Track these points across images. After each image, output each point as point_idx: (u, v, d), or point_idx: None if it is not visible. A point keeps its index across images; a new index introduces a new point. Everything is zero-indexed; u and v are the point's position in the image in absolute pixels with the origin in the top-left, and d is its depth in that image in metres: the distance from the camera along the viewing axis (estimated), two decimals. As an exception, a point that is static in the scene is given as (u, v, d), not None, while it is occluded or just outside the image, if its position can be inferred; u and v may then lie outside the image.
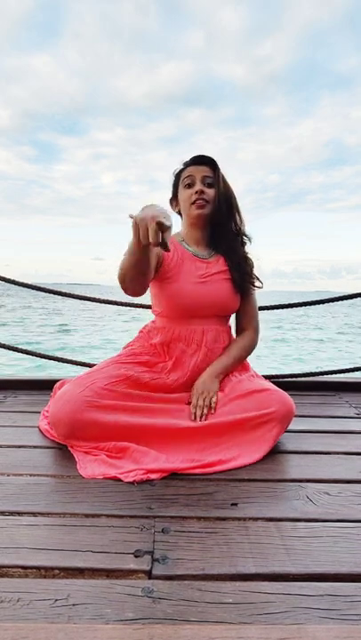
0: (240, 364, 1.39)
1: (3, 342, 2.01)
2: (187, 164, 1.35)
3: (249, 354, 1.41)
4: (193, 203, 1.31)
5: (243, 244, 1.38)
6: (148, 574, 0.68)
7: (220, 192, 1.31)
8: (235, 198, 1.35)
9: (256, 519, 0.85)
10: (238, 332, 1.44)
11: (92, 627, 0.56)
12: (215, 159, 1.33)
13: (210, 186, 1.32)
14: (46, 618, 0.58)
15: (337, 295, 2.05)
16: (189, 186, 1.33)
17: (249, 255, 1.39)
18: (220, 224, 1.35)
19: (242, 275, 1.36)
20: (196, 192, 1.30)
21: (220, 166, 1.33)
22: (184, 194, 1.34)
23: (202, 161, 1.33)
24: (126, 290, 1.17)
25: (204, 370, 1.31)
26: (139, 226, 0.93)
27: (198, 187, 1.30)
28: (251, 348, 1.41)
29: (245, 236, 1.38)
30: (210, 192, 1.31)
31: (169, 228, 0.94)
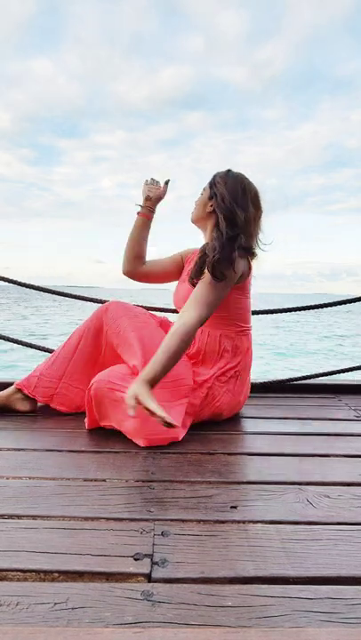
0: (178, 356, 1.16)
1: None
2: None
3: (183, 339, 1.16)
4: None
5: (225, 242, 1.27)
6: (148, 577, 0.68)
7: (206, 196, 1.41)
8: (227, 200, 1.31)
9: (256, 522, 0.85)
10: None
11: (92, 630, 0.56)
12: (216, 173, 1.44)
13: (205, 193, 1.44)
14: (45, 621, 0.58)
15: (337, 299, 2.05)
16: None
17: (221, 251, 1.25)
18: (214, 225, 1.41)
19: (197, 268, 1.31)
20: None
21: (218, 174, 1.42)
22: None
23: None
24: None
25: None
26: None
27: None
28: (182, 330, 1.17)
29: (224, 234, 1.28)
30: (199, 197, 1.46)
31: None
